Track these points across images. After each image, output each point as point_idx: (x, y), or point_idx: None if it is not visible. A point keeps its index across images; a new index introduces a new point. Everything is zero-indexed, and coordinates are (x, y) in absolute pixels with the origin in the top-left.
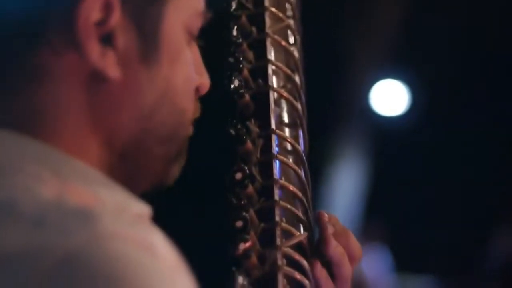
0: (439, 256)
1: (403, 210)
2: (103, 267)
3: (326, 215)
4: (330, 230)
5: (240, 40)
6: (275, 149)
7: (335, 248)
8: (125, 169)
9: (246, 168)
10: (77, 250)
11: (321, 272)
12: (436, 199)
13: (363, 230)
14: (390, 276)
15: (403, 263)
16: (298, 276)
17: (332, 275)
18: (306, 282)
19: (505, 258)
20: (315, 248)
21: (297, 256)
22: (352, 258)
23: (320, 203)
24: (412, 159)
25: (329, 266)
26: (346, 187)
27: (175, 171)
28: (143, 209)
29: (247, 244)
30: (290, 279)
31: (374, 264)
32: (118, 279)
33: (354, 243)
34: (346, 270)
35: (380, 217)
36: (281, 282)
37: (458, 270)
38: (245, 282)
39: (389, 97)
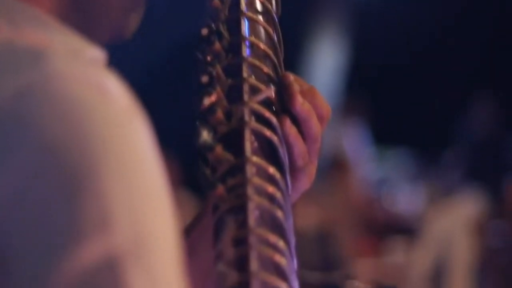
0: (417, 128)
1: (382, 84)
2: (54, 106)
3: (292, 75)
4: (296, 88)
5: None
6: (244, 6)
7: (301, 105)
8: (80, 19)
9: (213, 25)
10: (27, 88)
11: (290, 129)
12: (414, 73)
13: (343, 106)
14: (369, 149)
15: (382, 136)
16: (266, 132)
17: (302, 134)
18: (275, 138)
19: (482, 132)
20: (283, 107)
21: (265, 112)
22: (320, 117)
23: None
24: (392, 33)
25: (298, 125)
26: (327, 63)
27: (133, 22)
28: (98, 54)
29: (212, 98)
30: (258, 135)
31: (354, 138)
32: (68, 119)
33: (321, 101)
34: (315, 127)
35: (360, 92)
36: (248, 138)
37: (435, 142)
38: (210, 137)
39: None
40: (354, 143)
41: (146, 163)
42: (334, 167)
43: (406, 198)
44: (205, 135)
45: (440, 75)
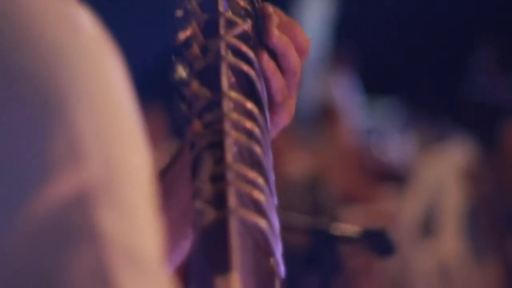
0: (407, 77)
1: (372, 34)
2: (20, 33)
3: (270, 7)
4: (273, 20)
5: None
6: None
7: (279, 38)
8: None
9: None
10: None
11: (268, 63)
12: (404, 21)
13: (333, 55)
14: (358, 98)
15: (372, 85)
16: (243, 66)
17: (281, 68)
18: (252, 72)
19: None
20: (261, 41)
21: (242, 46)
22: (299, 50)
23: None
24: None
25: (277, 59)
26: (315, 12)
27: None
28: None
29: (188, 32)
30: (235, 70)
31: (344, 87)
32: (36, 47)
33: (301, 34)
34: (293, 61)
35: (349, 41)
36: (225, 72)
37: (425, 91)
38: (185, 72)
39: None
40: (344, 92)
41: (118, 96)
42: (324, 116)
43: (396, 146)
44: (181, 71)
45: (429, 23)
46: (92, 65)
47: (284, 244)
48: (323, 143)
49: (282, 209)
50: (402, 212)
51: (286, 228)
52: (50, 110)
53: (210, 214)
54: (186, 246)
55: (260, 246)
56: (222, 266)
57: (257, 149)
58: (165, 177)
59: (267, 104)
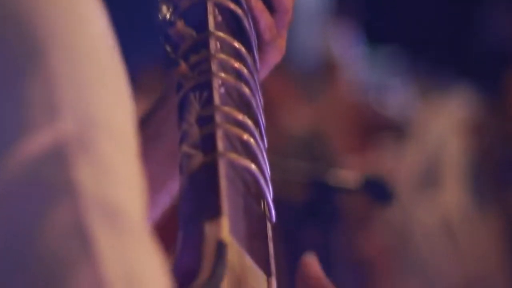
0: (409, 27)
1: None
2: None
3: None
4: None
5: None
6: None
7: None
8: None
9: None
10: None
11: (255, 1)
12: None
13: (333, 5)
14: (359, 50)
15: (373, 36)
16: (230, 5)
17: (271, 7)
18: (240, 11)
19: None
20: None
21: None
22: None
23: None
24: None
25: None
26: None
27: None
28: None
29: None
30: (222, 9)
31: (344, 39)
32: None
33: None
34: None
35: None
36: (212, 11)
37: (428, 41)
38: (170, 12)
39: None
40: (345, 43)
41: (101, 49)
42: (324, 68)
43: (397, 98)
44: (166, 11)
45: None
46: (76, 17)
47: (283, 196)
48: (323, 95)
49: (280, 160)
50: (402, 164)
51: (284, 180)
52: (31, 58)
53: (198, 158)
54: (174, 187)
55: (250, 190)
56: (211, 210)
57: (246, 90)
58: (153, 119)
59: (256, 43)
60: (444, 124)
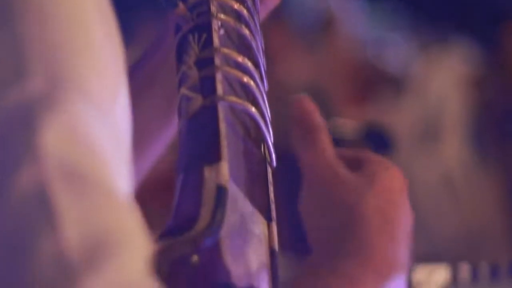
0: None
1: None
2: None
3: None
4: None
5: None
6: None
7: None
8: None
9: None
10: None
11: None
12: None
13: None
14: (359, 5)
15: None
16: None
17: None
18: None
19: None
20: None
21: None
22: None
23: None
24: None
25: None
26: None
27: None
28: None
29: None
30: None
31: None
32: None
33: None
34: None
35: None
36: None
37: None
38: None
39: None
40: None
41: (76, 7)
42: (323, 22)
43: (397, 53)
44: None
45: None
46: None
47: (283, 148)
48: (322, 49)
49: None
50: (402, 118)
51: (285, 131)
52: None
53: (196, 101)
54: (170, 135)
55: (250, 134)
56: (211, 155)
57: (246, 31)
58: (148, 64)
59: None
60: (444, 78)
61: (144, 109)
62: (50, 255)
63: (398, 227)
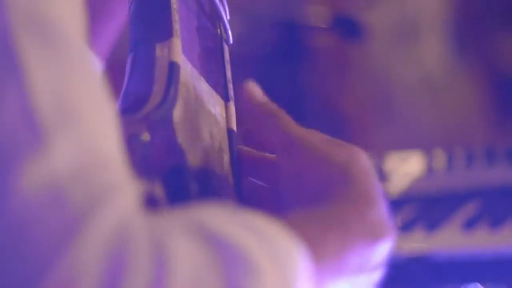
0: None
1: None
2: None
3: None
4: None
5: None
6: None
7: None
8: None
9: None
10: None
11: None
12: None
13: None
14: None
15: None
16: None
17: None
18: None
19: None
20: None
21: None
22: None
23: None
24: None
25: None
26: None
27: None
28: None
29: None
30: None
31: None
32: None
33: None
34: None
35: None
36: None
37: None
38: None
39: None
40: None
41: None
42: None
43: None
44: None
45: None
46: None
47: (251, 36)
48: None
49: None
50: (379, 16)
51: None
52: None
53: None
54: (124, 13)
55: (204, 10)
56: (163, 32)
57: None
58: None
59: None
60: None
61: None
62: (17, 110)
63: (381, 193)
